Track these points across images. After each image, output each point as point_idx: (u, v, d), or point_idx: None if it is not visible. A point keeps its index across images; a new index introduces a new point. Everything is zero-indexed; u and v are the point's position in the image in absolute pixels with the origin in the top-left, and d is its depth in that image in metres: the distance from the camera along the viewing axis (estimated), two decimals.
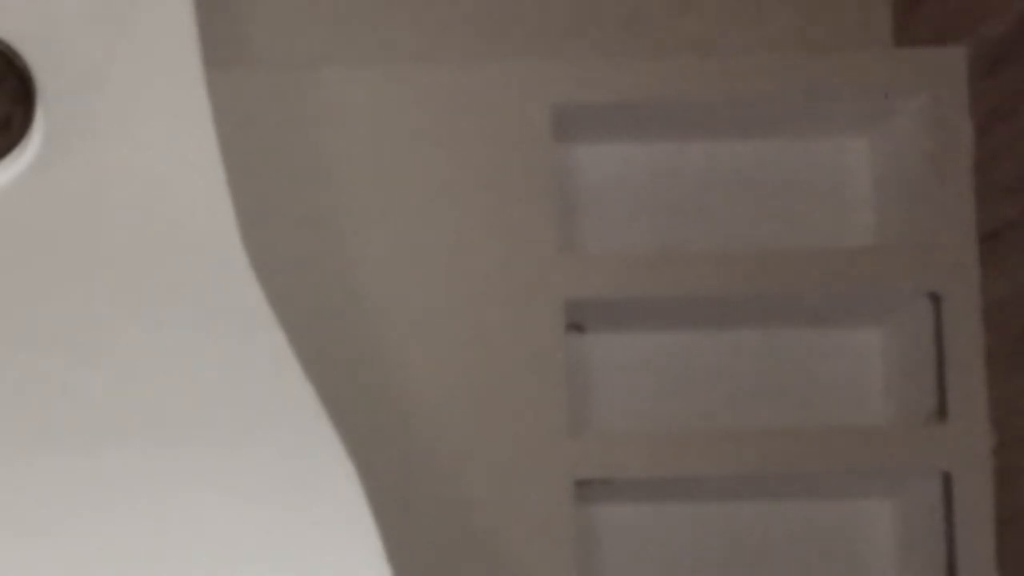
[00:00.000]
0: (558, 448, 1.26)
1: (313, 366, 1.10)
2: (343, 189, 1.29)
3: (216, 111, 1.14)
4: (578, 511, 1.27)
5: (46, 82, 1.13)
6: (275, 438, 1.08)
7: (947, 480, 1.26)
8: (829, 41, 1.36)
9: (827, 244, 1.35)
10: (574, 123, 1.31)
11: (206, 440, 1.07)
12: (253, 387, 1.09)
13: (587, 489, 1.27)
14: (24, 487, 1.07)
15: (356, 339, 1.27)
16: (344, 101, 1.29)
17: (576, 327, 1.33)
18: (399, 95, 1.29)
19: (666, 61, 1.29)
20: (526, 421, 1.26)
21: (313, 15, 1.36)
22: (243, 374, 1.09)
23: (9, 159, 1.12)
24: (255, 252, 1.12)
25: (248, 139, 1.27)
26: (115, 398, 1.08)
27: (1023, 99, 1.21)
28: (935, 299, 1.27)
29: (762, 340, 1.35)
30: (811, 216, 1.36)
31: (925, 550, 1.28)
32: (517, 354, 1.27)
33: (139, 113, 1.14)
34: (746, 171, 1.36)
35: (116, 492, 1.07)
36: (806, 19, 1.36)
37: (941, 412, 1.27)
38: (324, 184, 1.29)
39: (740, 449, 1.27)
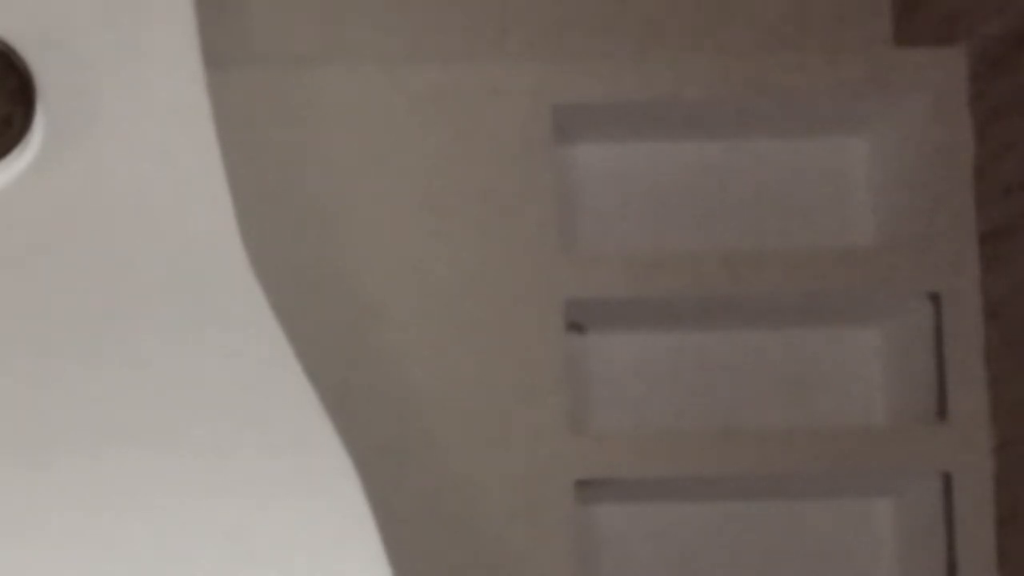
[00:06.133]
0: (558, 448, 1.26)
1: (313, 366, 1.10)
2: (342, 189, 1.29)
3: (216, 111, 1.14)
4: (578, 511, 1.27)
5: (46, 82, 1.13)
6: (275, 438, 1.08)
7: (947, 480, 1.26)
8: (829, 41, 1.36)
9: (827, 244, 1.35)
10: (574, 123, 1.31)
11: (204, 440, 1.07)
12: (253, 387, 1.09)
13: (587, 489, 1.27)
14: (21, 489, 1.07)
15: (356, 339, 1.27)
16: (343, 101, 1.29)
17: (576, 327, 1.33)
18: (398, 95, 1.29)
19: (666, 61, 1.29)
20: (526, 421, 1.26)
21: (313, 15, 1.36)
22: (243, 374, 1.09)
23: (9, 159, 1.12)
24: (255, 252, 1.12)
25: (248, 139, 1.27)
26: (113, 398, 1.08)
27: (1023, 99, 1.21)
28: (935, 299, 1.27)
29: (762, 340, 1.35)
30: (811, 216, 1.36)
31: (925, 550, 1.28)
32: (517, 354, 1.27)
33: (139, 113, 1.14)
34: (746, 171, 1.36)
35: (113, 493, 1.07)
36: (806, 19, 1.36)
37: (941, 412, 1.27)
38: (324, 184, 1.29)
39: (740, 449, 1.27)
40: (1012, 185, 1.22)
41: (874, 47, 1.36)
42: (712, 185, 1.36)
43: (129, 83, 1.14)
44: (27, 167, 1.13)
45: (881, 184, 1.35)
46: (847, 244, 1.35)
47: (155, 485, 1.07)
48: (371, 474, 1.08)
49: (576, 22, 1.36)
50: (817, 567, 1.34)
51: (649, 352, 1.35)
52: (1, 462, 1.07)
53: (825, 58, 1.29)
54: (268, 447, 1.08)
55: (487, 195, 1.29)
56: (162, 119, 1.14)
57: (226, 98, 1.18)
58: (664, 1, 1.37)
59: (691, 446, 1.27)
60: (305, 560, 1.06)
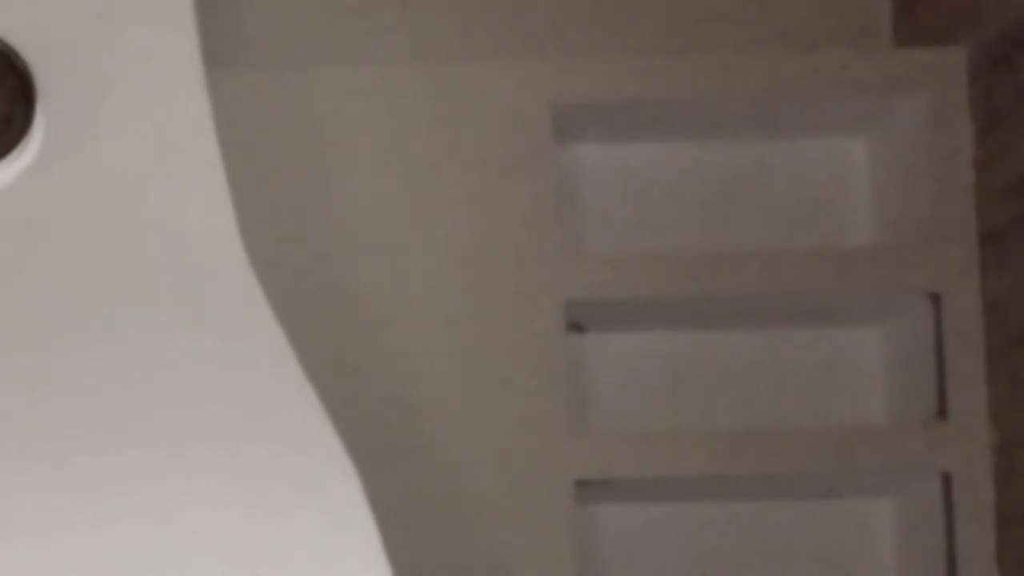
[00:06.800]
0: (558, 448, 1.26)
1: (313, 366, 1.10)
2: (343, 189, 1.29)
3: (216, 111, 1.14)
4: (578, 511, 1.27)
5: (46, 82, 1.13)
6: (275, 438, 1.08)
7: (947, 480, 1.26)
8: (829, 41, 1.36)
9: (827, 244, 1.35)
10: (574, 123, 1.31)
11: (205, 440, 1.08)
12: (253, 387, 1.09)
13: (587, 489, 1.28)
14: (23, 489, 1.07)
15: (356, 339, 1.27)
16: (344, 101, 1.29)
17: (576, 327, 1.33)
18: (399, 95, 1.29)
19: (666, 61, 1.29)
20: (526, 421, 1.26)
21: (313, 15, 1.36)
22: (243, 374, 1.09)
23: (9, 159, 1.12)
24: (255, 252, 1.12)
25: (248, 139, 1.27)
26: (113, 398, 1.08)
27: (1023, 99, 1.21)
28: (935, 299, 1.27)
29: (762, 340, 1.35)
30: (811, 216, 1.36)
31: (925, 550, 1.28)
32: (517, 354, 1.27)
33: (139, 113, 1.14)
34: (746, 171, 1.36)
35: (112, 492, 1.07)
36: (807, 19, 1.36)
37: (941, 412, 1.27)
38: (324, 183, 1.29)
39: (740, 449, 1.27)
40: (1012, 185, 1.23)
41: (874, 47, 1.36)
42: (712, 185, 1.36)
43: (129, 83, 1.14)
44: (27, 167, 1.13)
45: (881, 184, 1.35)
46: (847, 244, 1.35)
47: (155, 484, 1.07)
48: (371, 474, 1.08)
49: (576, 22, 1.36)
50: (817, 567, 1.34)
51: (649, 352, 1.35)
52: (0, 461, 1.07)
53: (825, 58, 1.29)
54: (268, 447, 1.08)
55: (487, 195, 1.29)
56: (162, 119, 1.14)
57: (226, 98, 1.18)
58: (665, 1, 1.37)
59: (691, 446, 1.27)
60: (305, 559, 1.06)
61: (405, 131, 1.29)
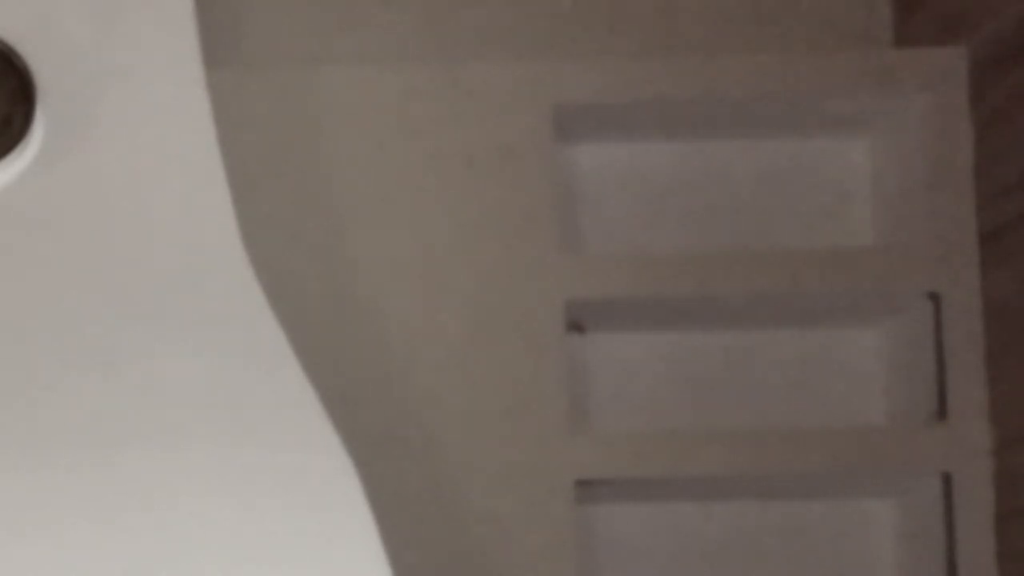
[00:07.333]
0: (558, 448, 1.26)
1: (313, 366, 1.10)
2: (342, 189, 1.29)
3: (216, 111, 1.14)
4: (578, 511, 1.27)
5: (46, 82, 1.13)
6: (275, 438, 1.08)
7: (947, 480, 1.26)
8: (829, 41, 1.36)
9: (827, 244, 1.35)
10: (574, 123, 1.31)
11: (204, 440, 1.08)
12: (253, 387, 1.09)
13: (587, 489, 1.27)
14: (22, 490, 1.07)
15: (356, 339, 1.27)
16: (344, 101, 1.29)
17: (576, 327, 1.33)
18: (399, 95, 1.29)
19: (666, 61, 1.29)
20: (526, 421, 1.26)
21: (312, 15, 1.36)
22: (243, 374, 1.09)
23: (9, 159, 1.12)
24: (255, 252, 1.12)
25: (248, 139, 1.27)
26: (113, 398, 1.08)
27: (1023, 99, 1.21)
28: (935, 299, 1.27)
29: (762, 340, 1.35)
30: (811, 216, 1.36)
31: (925, 550, 1.28)
32: (517, 354, 1.27)
33: (139, 113, 1.14)
34: (746, 171, 1.36)
35: (112, 492, 1.07)
36: (806, 19, 1.36)
37: (941, 412, 1.27)
38: (323, 184, 1.29)
39: (740, 449, 1.26)
40: (1012, 185, 1.22)
41: (874, 47, 1.36)
42: (712, 185, 1.36)
43: (129, 83, 1.14)
44: (27, 167, 1.13)
45: (881, 184, 1.35)
46: (847, 244, 1.35)
47: (155, 485, 1.07)
48: (371, 473, 1.08)
49: (576, 22, 1.36)
50: (817, 567, 1.34)
51: (649, 352, 1.35)
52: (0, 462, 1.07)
53: (825, 58, 1.29)
54: (268, 447, 1.08)
55: (487, 195, 1.29)
56: (162, 119, 1.14)
57: (226, 98, 1.18)
58: (665, 2, 1.37)
59: (691, 446, 1.27)
60: (305, 559, 1.06)
61: (405, 131, 1.29)
